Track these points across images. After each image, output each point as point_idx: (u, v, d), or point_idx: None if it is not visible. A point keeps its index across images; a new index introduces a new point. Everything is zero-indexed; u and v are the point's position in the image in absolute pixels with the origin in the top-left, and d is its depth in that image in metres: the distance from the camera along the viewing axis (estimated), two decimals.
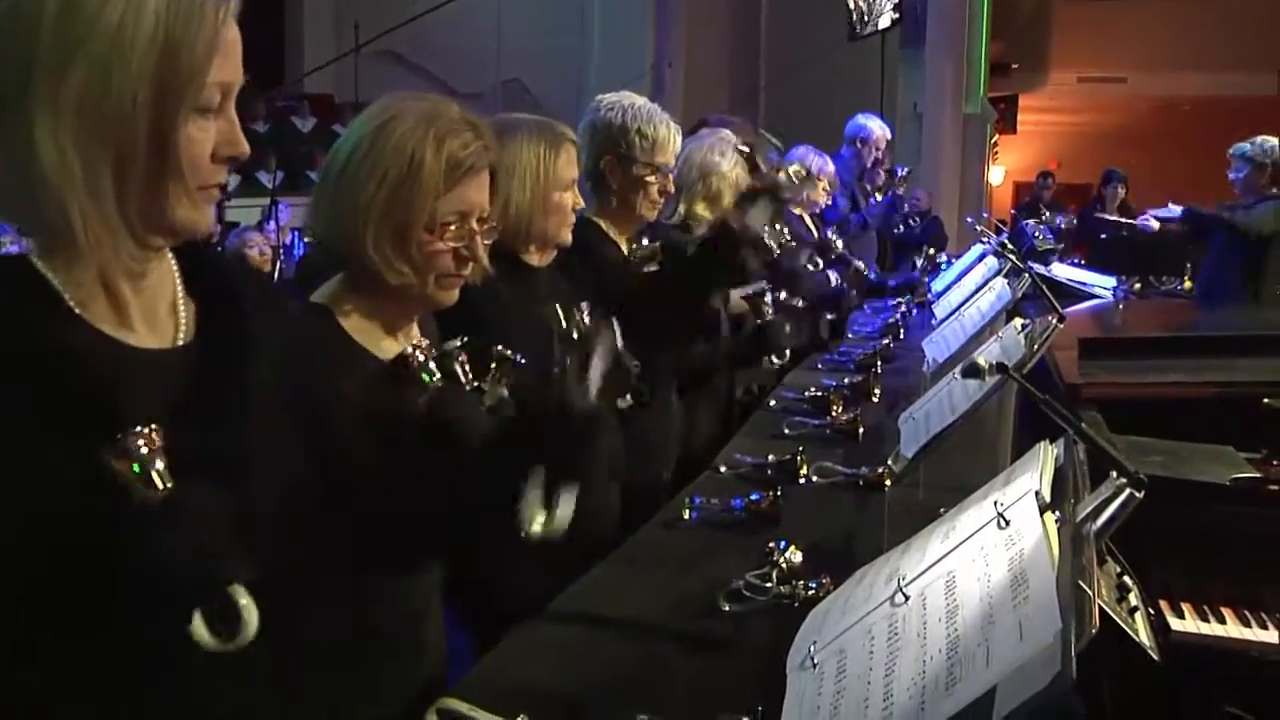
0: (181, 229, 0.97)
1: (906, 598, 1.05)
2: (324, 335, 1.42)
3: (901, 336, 4.08)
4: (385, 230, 1.41)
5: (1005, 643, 0.84)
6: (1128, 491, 1.04)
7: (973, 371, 1.34)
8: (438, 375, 1.34)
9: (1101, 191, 8.45)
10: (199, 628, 0.89)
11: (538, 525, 1.16)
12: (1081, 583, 0.88)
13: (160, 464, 0.88)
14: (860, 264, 4.39)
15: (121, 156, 0.90)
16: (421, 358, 1.33)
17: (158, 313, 1.00)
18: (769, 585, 1.71)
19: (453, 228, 1.44)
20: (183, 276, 1.04)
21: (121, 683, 0.92)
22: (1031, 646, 0.81)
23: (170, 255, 1.02)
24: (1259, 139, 5.28)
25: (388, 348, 1.47)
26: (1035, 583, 0.89)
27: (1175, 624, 2.46)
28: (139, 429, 0.87)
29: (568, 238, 2.09)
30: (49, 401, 0.87)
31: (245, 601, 0.91)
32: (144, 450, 0.87)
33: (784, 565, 1.75)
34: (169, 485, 0.88)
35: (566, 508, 1.17)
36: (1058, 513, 1.03)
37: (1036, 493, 1.04)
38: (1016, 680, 0.80)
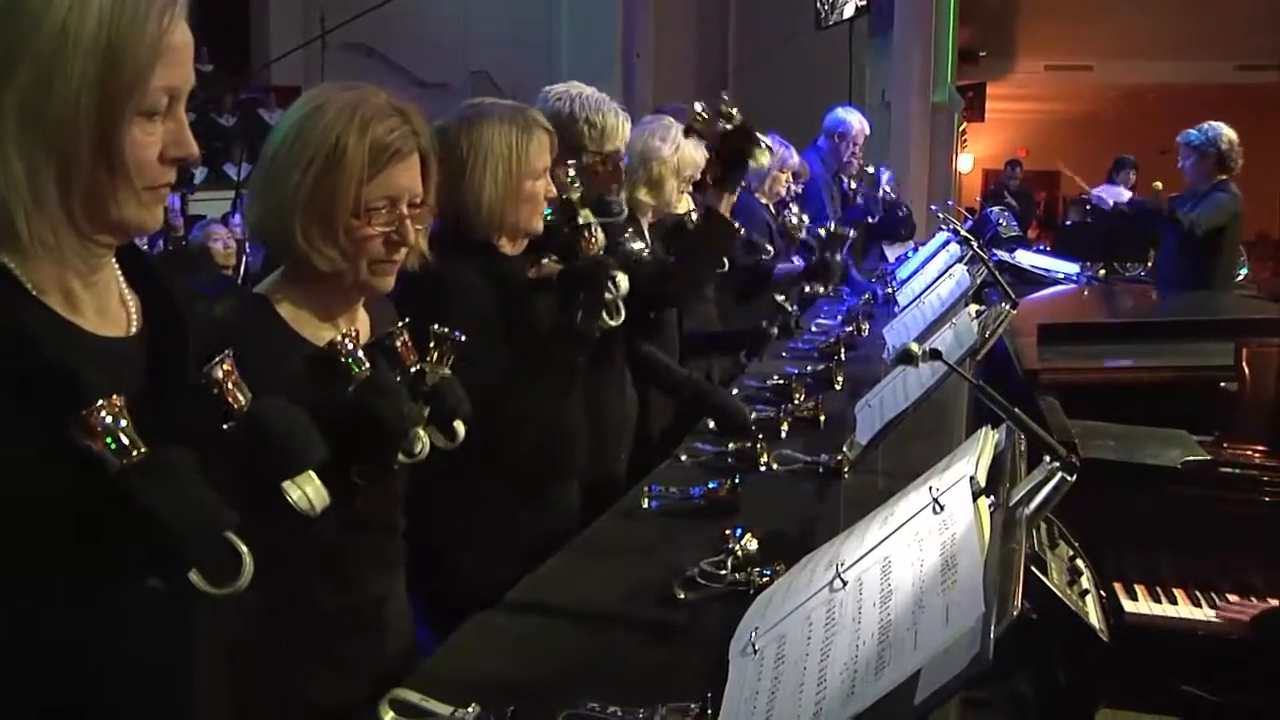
0: (130, 228, 0.97)
1: (844, 583, 1.06)
2: (258, 322, 1.44)
3: (866, 325, 4.09)
4: (312, 217, 1.41)
5: (932, 626, 0.85)
6: (1060, 475, 1.05)
7: (905, 358, 1.35)
8: (366, 365, 1.34)
9: (1114, 178, 8.45)
10: (197, 576, 0.92)
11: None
12: (1008, 566, 0.89)
13: (129, 428, 0.90)
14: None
15: (65, 160, 0.90)
16: (350, 346, 1.33)
17: (109, 305, 1.01)
18: (724, 573, 1.72)
19: (382, 212, 1.44)
20: (122, 272, 1.05)
21: (77, 647, 0.93)
22: (955, 630, 0.82)
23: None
24: (1205, 126, 5.32)
25: (325, 336, 1.47)
26: (963, 567, 0.90)
27: (1129, 605, 2.50)
28: (101, 402, 0.88)
29: (539, 226, 2.05)
30: (15, 379, 0.87)
31: (243, 547, 0.94)
32: (110, 420, 0.89)
33: (739, 553, 1.76)
34: (143, 450, 0.90)
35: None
36: (992, 497, 1.04)
37: (971, 478, 1.06)
38: (941, 663, 0.81)
